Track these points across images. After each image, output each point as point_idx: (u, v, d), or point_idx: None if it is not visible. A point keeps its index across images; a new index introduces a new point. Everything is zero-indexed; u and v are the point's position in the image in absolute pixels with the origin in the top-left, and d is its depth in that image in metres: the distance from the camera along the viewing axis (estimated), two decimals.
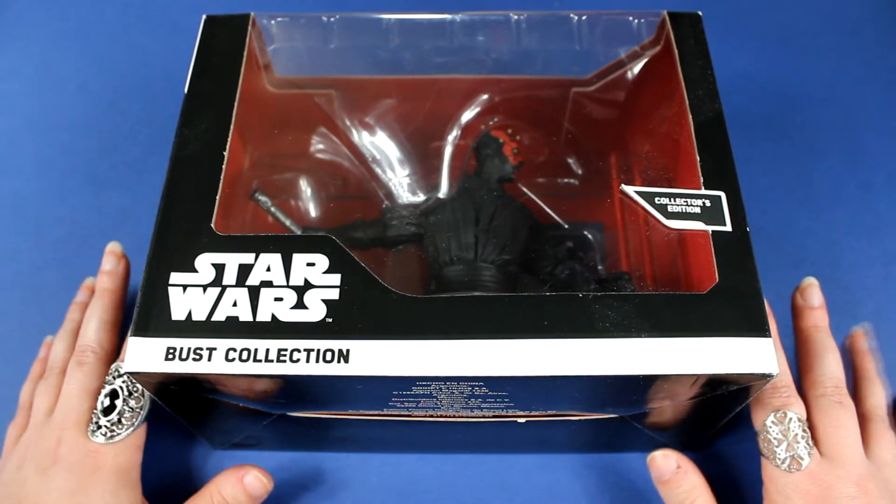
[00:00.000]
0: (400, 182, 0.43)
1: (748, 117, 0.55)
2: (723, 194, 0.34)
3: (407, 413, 0.35)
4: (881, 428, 0.37)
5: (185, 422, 0.38)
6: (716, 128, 0.36)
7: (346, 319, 0.31)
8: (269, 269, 0.32)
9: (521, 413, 0.35)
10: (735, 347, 0.30)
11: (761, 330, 0.30)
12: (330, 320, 0.31)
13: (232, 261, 0.32)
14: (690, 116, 0.36)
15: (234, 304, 0.31)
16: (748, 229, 0.33)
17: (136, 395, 0.36)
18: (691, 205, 0.34)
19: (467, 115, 0.44)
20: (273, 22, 0.42)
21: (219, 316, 0.31)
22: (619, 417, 0.36)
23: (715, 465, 0.42)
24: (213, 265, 0.32)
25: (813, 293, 0.41)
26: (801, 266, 0.49)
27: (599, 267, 0.42)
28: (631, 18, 0.42)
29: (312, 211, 0.43)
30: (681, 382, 0.31)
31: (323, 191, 0.44)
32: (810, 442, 0.35)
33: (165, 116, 0.50)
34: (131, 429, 0.36)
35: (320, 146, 0.44)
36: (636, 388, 0.31)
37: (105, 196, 0.52)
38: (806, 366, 0.38)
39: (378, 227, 0.41)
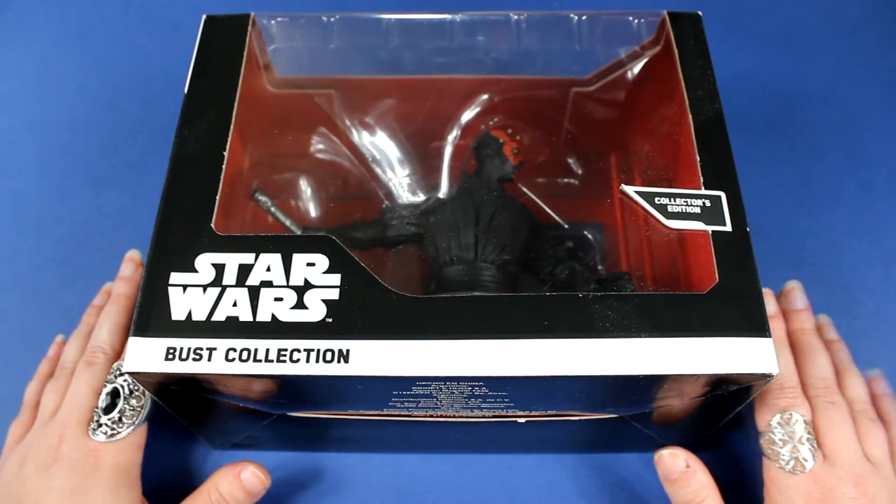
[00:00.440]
0: (400, 182, 0.43)
1: (748, 117, 0.55)
2: (723, 194, 0.34)
3: (407, 413, 0.35)
4: (867, 423, 0.36)
5: (185, 422, 0.38)
6: (716, 128, 0.36)
7: (346, 319, 0.31)
8: (269, 269, 0.32)
9: (521, 413, 0.35)
10: (735, 347, 0.30)
11: (761, 330, 0.30)
12: (330, 320, 0.31)
13: (232, 261, 0.32)
14: (690, 116, 0.36)
15: (234, 305, 0.31)
16: (748, 229, 0.33)
17: (136, 394, 0.37)
18: (691, 205, 0.34)
19: (467, 115, 0.44)
20: (273, 22, 0.42)
21: (219, 316, 0.31)
22: (618, 417, 0.36)
23: (719, 466, 0.42)
24: (213, 265, 0.32)
25: (797, 296, 0.41)
26: (801, 266, 0.49)
27: (599, 267, 0.42)
28: (631, 18, 0.42)
29: (312, 211, 0.43)
30: (681, 382, 0.31)
31: (323, 191, 0.44)
32: (815, 444, 0.34)
33: (165, 116, 0.50)
34: (132, 428, 0.36)
35: (320, 146, 0.44)
36: (636, 387, 0.31)
37: (105, 196, 0.52)
38: (796, 368, 0.38)
39: (378, 227, 0.41)
